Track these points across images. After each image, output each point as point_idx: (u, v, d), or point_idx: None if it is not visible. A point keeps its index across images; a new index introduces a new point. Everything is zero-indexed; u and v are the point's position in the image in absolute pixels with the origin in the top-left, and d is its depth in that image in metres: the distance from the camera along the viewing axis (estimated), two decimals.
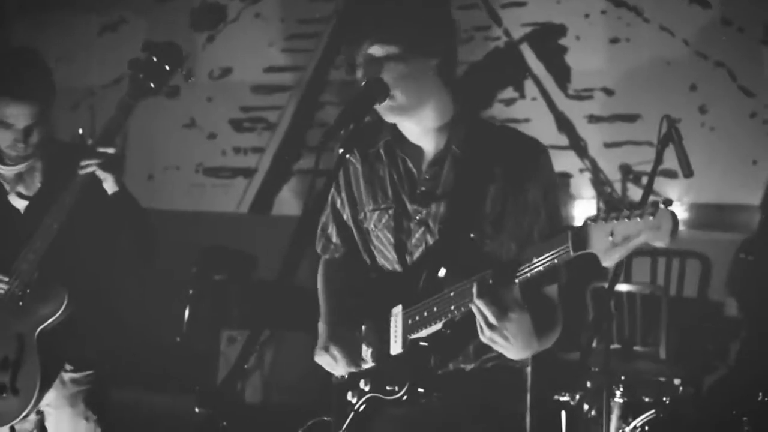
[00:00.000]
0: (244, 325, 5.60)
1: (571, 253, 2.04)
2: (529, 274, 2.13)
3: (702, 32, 5.14)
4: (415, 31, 2.34)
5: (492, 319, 2.16)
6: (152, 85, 3.10)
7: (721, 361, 4.60)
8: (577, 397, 4.22)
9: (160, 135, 6.43)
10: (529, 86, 5.54)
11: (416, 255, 2.43)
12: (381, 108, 2.36)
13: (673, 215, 1.87)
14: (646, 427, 4.11)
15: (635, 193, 5.23)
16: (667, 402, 4.19)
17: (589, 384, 4.26)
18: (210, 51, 6.33)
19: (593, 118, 5.41)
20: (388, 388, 2.38)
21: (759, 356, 4.39)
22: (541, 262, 2.10)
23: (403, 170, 2.46)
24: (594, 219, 2.01)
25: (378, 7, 2.39)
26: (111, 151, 3.05)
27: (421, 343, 2.36)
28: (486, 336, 2.20)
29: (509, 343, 2.19)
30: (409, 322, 2.36)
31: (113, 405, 3.37)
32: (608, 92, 5.36)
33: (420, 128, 2.44)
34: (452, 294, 2.27)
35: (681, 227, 5.02)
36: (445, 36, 2.41)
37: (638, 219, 1.92)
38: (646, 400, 4.24)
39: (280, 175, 6.19)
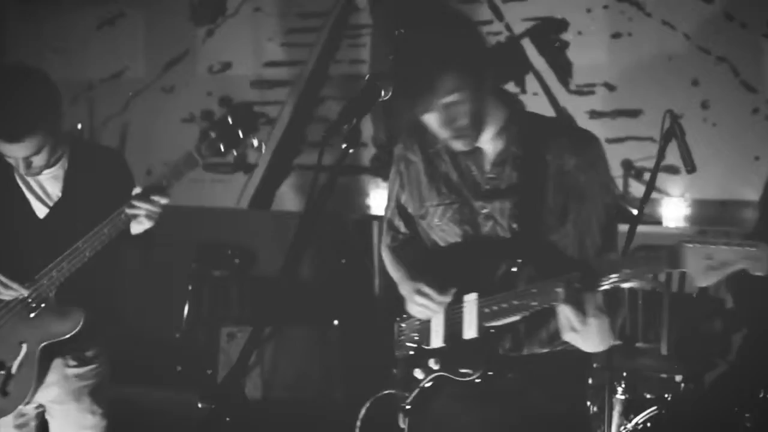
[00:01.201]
0: (244, 321, 5.59)
1: (665, 270, 2.20)
2: (618, 285, 2.27)
3: (704, 27, 5.11)
4: (467, 73, 2.38)
5: (576, 324, 2.31)
6: (222, 148, 3.01)
7: (723, 358, 4.58)
8: None
9: (159, 129, 6.40)
10: (531, 81, 5.51)
11: (485, 247, 2.55)
12: (454, 142, 2.47)
13: None
14: (648, 424, 4.10)
15: (637, 189, 5.22)
16: (669, 399, 4.18)
17: (590, 380, 4.24)
18: (209, 45, 6.31)
19: (595, 114, 5.39)
20: (461, 370, 2.51)
21: (760, 353, 4.36)
22: (632, 276, 2.23)
23: (464, 168, 2.58)
24: (689, 241, 2.13)
25: (427, 63, 2.37)
26: (164, 201, 3.02)
27: (493, 331, 2.49)
28: (567, 336, 2.37)
29: (588, 343, 2.38)
30: (486, 310, 2.48)
31: (116, 400, 3.41)
32: (610, 87, 5.34)
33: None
34: (534, 291, 2.39)
35: (683, 223, 5.07)
36: (485, 60, 2.47)
37: (738, 248, 2.08)
38: (648, 396, 4.23)
39: (280, 171, 6.17)
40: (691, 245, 2.11)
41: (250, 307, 5.65)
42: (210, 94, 6.27)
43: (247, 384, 5.19)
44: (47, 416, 3.34)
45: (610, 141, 5.35)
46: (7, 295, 3.11)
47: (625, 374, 4.17)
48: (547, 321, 2.49)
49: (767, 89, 5.02)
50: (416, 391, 2.63)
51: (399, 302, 2.73)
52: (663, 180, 4.95)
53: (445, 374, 2.56)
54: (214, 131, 3.01)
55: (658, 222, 5.10)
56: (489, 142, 2.55)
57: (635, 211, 4.74)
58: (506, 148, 2.53)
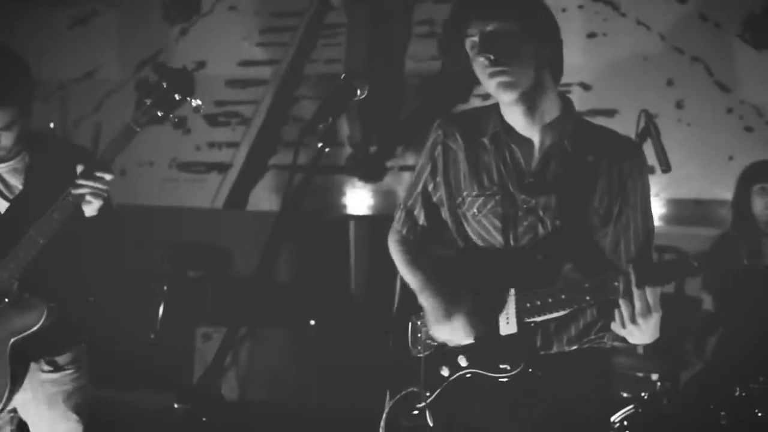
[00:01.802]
0: (219, 322, 5.56)
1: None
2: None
3: (679, 27, 5.13)
4: (532, 14, 2.45)
5: (638, 318, 2.29)
6: (159, 113, 2.96)
7: (698, 357, 4.60)
8: None
9: None
10: None
11: (524, 241, 2.53)
12: (494, 84, 2.44)
13: None
14: (625, 422, 4.11)
15: None
16: (646, 397, 4.19)
17: None
18: (183, 44, 6.27)
19: None
20: (501, 365, 2.48)
21: (735, 351, 4.39)
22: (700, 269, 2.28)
23: (510, 160, 2.55)
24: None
25: None
26: (108, 177, 2.93)
27: (533, 325, 2.48)
28: (626, 330, 2.33)
29: (643, 336, 2.34)
30: (527, 305, 2.46)
31: (92, 403, 3.32)
32: (585, 87, 5.35)
33: (530, 120, 2.52)
34: (587, 285, 2.38)
35: (658, 222, 5.08)
36: (554, 32, 2.53)
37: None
38: (625, 395, 4.25)
39: (255, 171, 6.13)
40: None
41: (226, 307, 5.62)
42: None
43: (222, 385, 5.17)
44: (23, 416, 3.26)
45: None
46: None
47: None
48: (576, 318, 2.52)
49: (741, 89, 5.05)
50: (441, 388, 2.58)
51: (376, 302, 2.70)
52: None
53: (478, 371, 2.53)
54: (149, 98, 2.94)
55: None
56: (539, 133, 2.53)
57: None
58: (557, 142, 2.52)
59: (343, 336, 5.36)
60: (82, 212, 2.98)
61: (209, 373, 1.99)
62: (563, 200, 2.50)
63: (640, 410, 4.14)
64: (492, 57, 2.41)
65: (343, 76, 2.36)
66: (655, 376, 4.35)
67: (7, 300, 3.03)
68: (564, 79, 5.35)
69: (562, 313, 2.44)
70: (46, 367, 3.20)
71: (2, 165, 3.15)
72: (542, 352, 2.52)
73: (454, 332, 2.53)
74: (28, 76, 3.10)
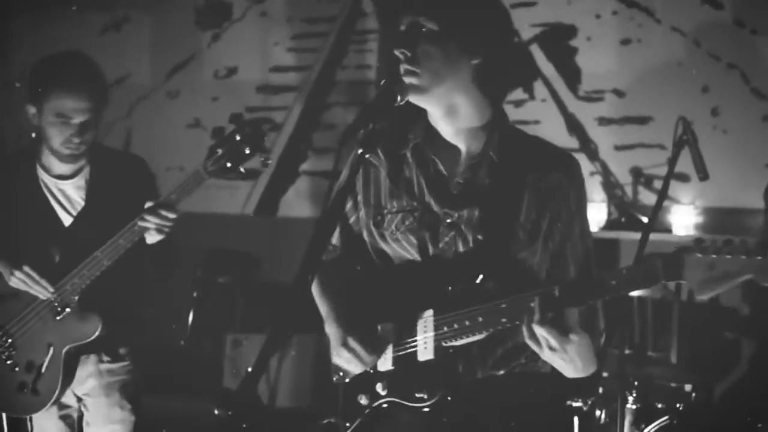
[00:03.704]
0: (249, 329, 5.55)
1: (662, 281, 2.04)
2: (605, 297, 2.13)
3: (714, 33, 5.08)
4: (462, 20, 2.29)
5: (554, 343, 2.12)
6: (228, 165, 3.06)
7: (734, 367, 4.55)
8: (589, 402, 4.17)
9: (164, 135, 6.37)
10: (539, 87, 5.48)
11: (444, 258, 2.36)
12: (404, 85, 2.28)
13: None
14: None
15: (646, 197, 5.18)
16: (680, 408, 4.14)
17: (601, 389, 4.20)
18: (215, 50, 6.28)
19: (604, 120, 5.36)
20: (417, 395, 2.30)
21: None
22: (625, 288, 2.09)
23: (433, 172, 2.41)
24: (689, 250, 2.02)
25: None
26: (172, 216, 3.13)
27: (451, 351, 2.30)
28: (545, 356, 2.16)
29: (570, 364, 2.16)
30: (445, 329, 2.29)
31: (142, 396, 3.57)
32: (619, 94, 5.31)
33: (454, 128, 2.39)
34: (504, 306, 2.21)
35: (693, 231, 5.03)
36: (492, 40, 2.35)
37: (743, 257, 1.95)
38: (659, 406, 4.19)
39: (286, 177, 6.13)
40: (690, 255, 2.00)
41: (261, 313, 5.60)
42: (216, 100, 6.23)
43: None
44: (82, 408, 3.51)
45: (618, 148, 5.33)
46: (35, 291, 3.26)
47: (636, 383, 4.12)
48: (503, 340, 2.32)
49: None
50: (360, 419, 2.40)
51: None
52: (673, 187, 4.88)
53: (395, 400, 2.35)
54: (222, 148, 3.06)
55: (668, 230, 5.06)
56: (464, 141, 2.39)
57: (645, 219, 4.72)
58: (483, 152, 2.37)
59: None
60: (143, 239, 3.22)
61: (250, 378, 1.96)
62: (487, 213, 2.33)
63: (675, 422, 4.08)
64: (408, 53, 2.28)
65: (383, 82, 2.26)
66: (688, 387, 4.30)
67: (68, 310, 3.28)
68: (597, 86, 5.42)
69: (479, 336, 2.26)
70: (105, 358, 3.46)
71: (68, 182, 3.41)
72: (466, 378, 2.32)
73: (351, 359, 2.37)
74: (102, 78, 3.41)
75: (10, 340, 3.34)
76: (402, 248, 2.42)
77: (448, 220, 2.35)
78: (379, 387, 2.38)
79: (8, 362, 3.33)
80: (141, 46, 6.47)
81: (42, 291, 3.26)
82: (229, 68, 6.24)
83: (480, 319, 2.24)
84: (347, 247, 2.57)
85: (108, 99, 3.41)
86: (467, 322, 2.26)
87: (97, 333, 3.28)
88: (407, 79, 2.28)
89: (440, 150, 2.40)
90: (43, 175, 3.41)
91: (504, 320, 2.21)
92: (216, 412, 1.83)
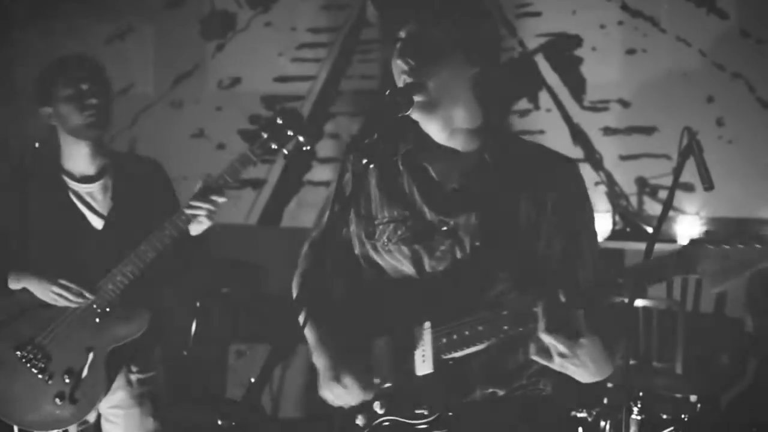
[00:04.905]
0: (253, 339, 5.54)
1: (673, 276, 2.00)
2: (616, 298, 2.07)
3: (719, 43, 5.08)
4: (466, 30, 2.23)
5: (563, 349, 2.03)
6: (274, 146, 3.23)
7: (739, 378, 4.53)
8: (594, 413, 4.15)
9: (168, 145, 6.35)
10: (544, 97, 5.47)
11: (440, 268, 2.28)
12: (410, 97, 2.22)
13: None
14: None
15: (651, 207, 5.17)
16: (686, 419, 4.12)
17: (605, 400, 4.19)
18: (219, 60, 6.28)
19: (609, 130, 5.35)
20: (417, 411, 2.22)
21: None
22: (633, 284, 2.02)
23: (424, 180, 2.32)
24: (701, 242, 1.97)
25: None
26: (221, 200, 3.23)
27: (451, 362, 2.22)
28: (556, 365, 2.07)
29: (582, 368, 2.07)
30: (444, 341, 2.21)
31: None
32: (624, 104, 5.30)
33: (447, 131, 2.31)
34: (505, 313, 2.14)
35: None
36: (490, 50, 2.32)
37: (758, 246, 1.92)
38: (664, 417, 4.17)
39: (289, 187, 6.12)
40: (702, 245, 1.95)
41: (264, 324, 5.59)
42: (219, 110, 6.23)
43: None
44: (104, 423, 3.45)
45: (624, 158, 5.32)
46: (76, 302, 3.24)
47: (641, 394, 4.10)
48: (503, 359, 2.24)
49: None
50: None
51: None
52: (678, 197, 4.88)
53: (394, 418, 2.26)
54: (266, 131, 3.23)
55: (673, 240, 5.04)
56: (458, 143, 2.31)
57: (650, 229, 4.71)
58: (477, 155, 2.29)
59: None
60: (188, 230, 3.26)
61: (254, 389, 1.95)
62: (484, 218, 2.24)
63: None
64: (412, 63, 2.21)
65: (387, 92, 2.20)
66: (693, 398, 4.29)
67: (108, 310, 3.25)
68: (602, 96, 5.41)
69: (480, 346, 2.18)
70: (135, 367, 3.43)
71: (93, 184, 3.41)
72: (466, 399, 2.24)
73: (343, 395, 2.27)
74: (107, 75, 3.44)
75: (40, 354, 3.26)
76: (395, 260, 2.33)
77: (444, 228, 2.27)
78: (376, 406, 2.29)
79: (40, 376, 3.25)
80: (145, 56, 6.46)
81: (80, 300, 3.23)
82: (233, 78, 6.23)
83: (480, 328, 2.17)
84: (339, 260, 2.45)
85: (111, 95, 3.44)
86: (467, 332, 2.18)
87: (145, 328, 3.28)
88: (413, 94, 2.21)
89: (433, 156, 2.33)
90: (69, 182, 3.40)
91: (506, 328, 2.14)
92: (219, 422, 1.81)
